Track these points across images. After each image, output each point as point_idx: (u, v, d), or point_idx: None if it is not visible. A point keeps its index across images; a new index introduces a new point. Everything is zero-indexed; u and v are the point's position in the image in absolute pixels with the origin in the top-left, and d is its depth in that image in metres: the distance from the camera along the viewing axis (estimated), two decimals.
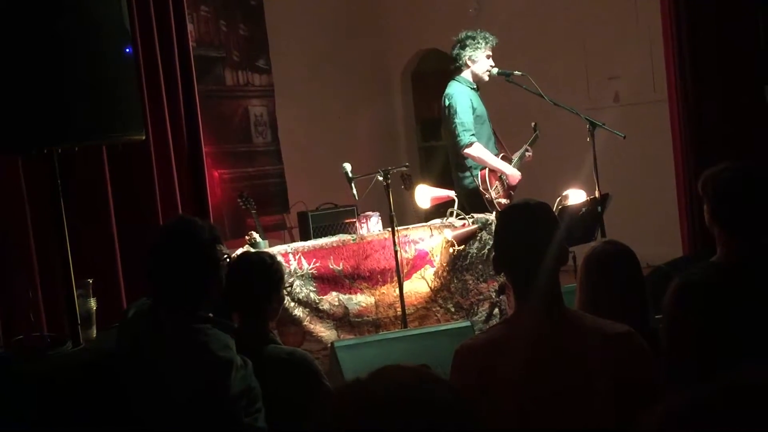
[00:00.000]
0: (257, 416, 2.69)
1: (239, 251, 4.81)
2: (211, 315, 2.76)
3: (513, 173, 5.53)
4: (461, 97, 5.49)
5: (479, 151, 5.42)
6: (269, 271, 3.21)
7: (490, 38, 5.62)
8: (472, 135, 5.42)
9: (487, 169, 5.46)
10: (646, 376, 2.16)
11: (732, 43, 5.47)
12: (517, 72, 5.51)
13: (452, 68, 5.70)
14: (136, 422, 2.73)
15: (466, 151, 5.43)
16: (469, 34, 5.61)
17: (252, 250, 4.76)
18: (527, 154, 5.77)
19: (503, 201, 5.45)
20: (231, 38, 8.01)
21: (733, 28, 5.47)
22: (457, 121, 5.45)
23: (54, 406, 2.87)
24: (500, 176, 5.51)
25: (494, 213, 5.26)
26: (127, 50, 3.37)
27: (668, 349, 2.23)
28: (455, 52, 5.64)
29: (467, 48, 5.58)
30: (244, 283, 3.15)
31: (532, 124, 5.85)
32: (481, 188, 5.43)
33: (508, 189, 5.56)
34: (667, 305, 2.34)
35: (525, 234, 2.28)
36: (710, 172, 2.89)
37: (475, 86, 5.64)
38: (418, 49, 9.39)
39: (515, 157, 5.72)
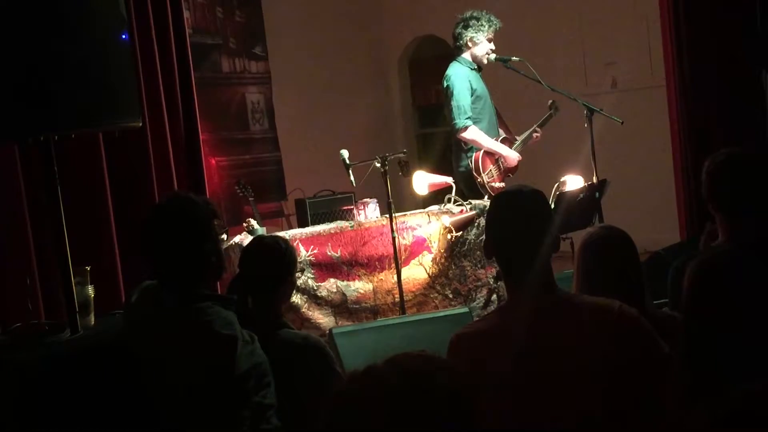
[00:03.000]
0: (266, 392, 2.68)
1: (237, 238, 4.82)
2: (210, 292, 2.75)
3: (510, 155, 5.48)
4: (459, 80, 5.46)
5: (474, 134, 5.39)
6: (284, 255, 3.23)
7: (495, 21, 5.55)
8: (468, 118, 5.39)
9: (481, 152, 5.43)
10: (645, 348, 2.16)
11: (729, 27, 5.45)
12: (515, 58, 5.49)
13: (453, 47, 5.66)
14: (136, 410, 2.73)
15: (461, 135, 5.41)
16: (474, 14, 5.54)
17: (250, 236, 4.77)
18: (535, 134, 5.69)
19: (497, 185, 5.41)
20: (227, 25, 7.99)
21: (731, 13, 5.45)
22: (453, 104, 5.42)
23: (52, 393, 2.87)
24: (497, 159, 5.48)
25: (486, 197, 5.26)
26: (124, 37, 3.36)
27: (688, 332, 2.21)
28: (457, 31, 5.58)
29: (470, 29, 5.53)
30: (259, 267, 3.16)
31: (549, 102, 5.69)
32: (473, 172, 5.42)
33: (505, 172, 5.52)
34: (688, 287, 2.30)
35: (515, 221, 2.26)
36: (711, 158, 2.90)
37: (475, 66, 5.60)
38: (416, 36, 9.37)
39: (519, 139, 5.68)
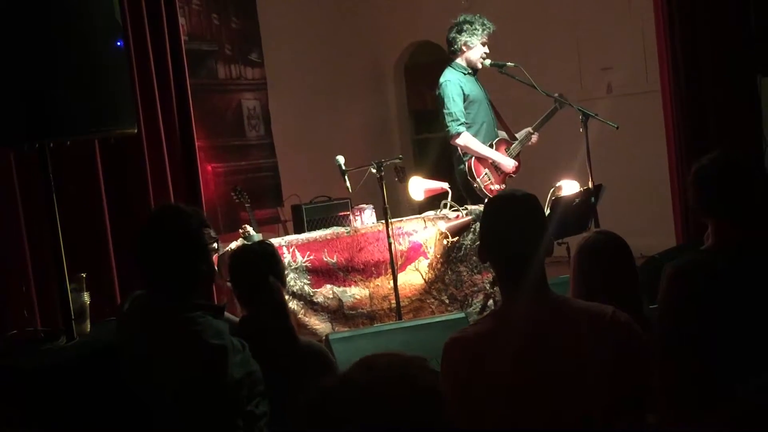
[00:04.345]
0: (258, 401, 2.68)
1: (233, 245, 4.81)
2: (202, 301, 2.76)
3: (504, 161, 5.50)
4: (451, 86, 5.49)
5: (466, 140, 5.43)
6: (274, 260, 3.23)
7: (488, 25, 5.58)
8: (460, 125, 5.42)
9: (473, 158, 5.46)
10: (636, 353, 2.17)
11: (724, 32, 5.47)
12: (510, 63, 5.51)
13: (448, 52, 5.68)
14: (129, 417, 2.73)
15: (454, 141, 5.46)
16: (467, 18, 5.58)
17: (246, 243, 4.76)
18: (532, 137, 5.67)
19: (496, 187, 5.44)
20: (223, 32, 7.99)
21: (726, 18, 5.47)
22: (445, 111, 5.46)
23: (48, 400, 2.87)
24: (492, 163, 5.50)
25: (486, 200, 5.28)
26: (119, 43, 3.36)
27: (663, 334, 2.24)
28: (451, 35, 5.61)
29: (464, 33, 5.56)
30: (251, 274, 3.16)
31: (555, 94, 5.60)
32: (468, 177, 5.44)
33: (505, 175, 5.53)
34: (662, 292, 2.34)
35: (510, 225, 2.28)
36: (697, 163, 2.92)
37: (470, 71, 5.62)
38: (411, 41, 9.39)
39: (515, 142, 5.67)
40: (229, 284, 3.32)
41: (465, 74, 5.59)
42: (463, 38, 5.56)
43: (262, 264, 3.19)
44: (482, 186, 5.42)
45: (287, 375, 2.86)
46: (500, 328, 2.25)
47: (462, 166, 5.52)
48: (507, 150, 5.59)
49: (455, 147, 5.55)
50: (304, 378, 2.89)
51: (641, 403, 2.13)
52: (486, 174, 5.46)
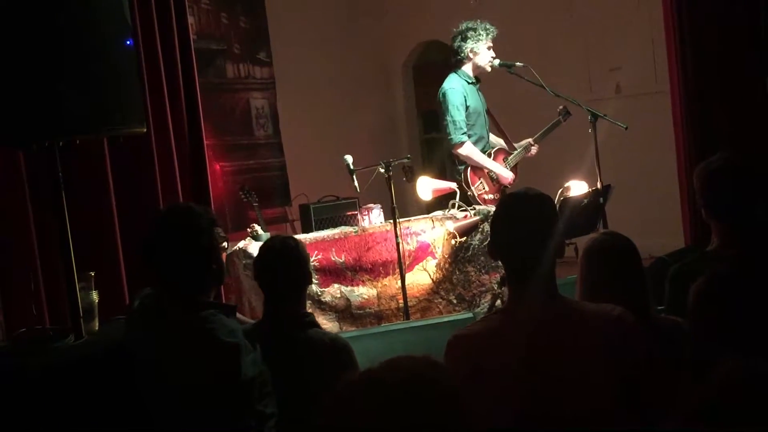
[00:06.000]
0: (267, 401, 2.69)
1: (241, 243, 4.83)
2: (212, 300, 2.76)
3: (502, 173, 5.53)
4: (454, 94, 5.48)
5: (469, 150, 5.46)
6: (299, 253, 3.23)
7: (491, 29, 5.58)
8: (463, 134, 5.43)
9: (469, 167, 5.47)
10: (641, 356, 2.16)
11: (734, 33, 5.45)
12: (518, 63, 5.50)
13: (453, 61, 5.67)
14: (139, 415, 2.73)
15: (456, 150, 5.46)
16: (469, 25, 5.57)
17: (254, 242, 4.77)
18: (532, 149, 5.73)
19: (490, 197, 5.48)
20: (232, 31, 8.01)
21: (735, 19, 5.45)
22: (448, 119, 5.46)
23: (56, 399, 2.88)
24: (488, 172, 5.52)
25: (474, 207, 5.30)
26: (128, 42, 3.37)
27: (694, 344, 2.21)
28: (456, 44, 5.61)
29: (469, 40, 5.55)
30: (278, 269, 3.15)
31: (559, 107, 5.63)
32: (463, 184, 5.45)
33: (500, 185, 5.55)
34: (696, 301, 2.29)
35: (522, 223, 2.28)
36: (700, 166, 2.92)
37: (473, 80, 5.62)
38: (420, 41, 9.39)
39: (517, 149, 5.71)
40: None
41: (469, 83, 5.58)
42: (469, 45, 5.55)
43: (283, 260, 3.17)
44: (476, 195, 5.45)
45: (310, 370, 2.85)
46: (504, 326, 2.24)
47: (457, 170, 5.54)
48: (505, 159, 5.63)
49: (450, 153, 5.56)
50: (327, 373, 2.89)
51: (645, 403, 2.12)
52: (481, 183, 5.49)
